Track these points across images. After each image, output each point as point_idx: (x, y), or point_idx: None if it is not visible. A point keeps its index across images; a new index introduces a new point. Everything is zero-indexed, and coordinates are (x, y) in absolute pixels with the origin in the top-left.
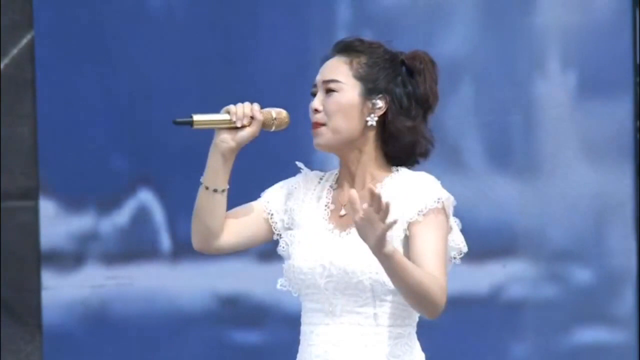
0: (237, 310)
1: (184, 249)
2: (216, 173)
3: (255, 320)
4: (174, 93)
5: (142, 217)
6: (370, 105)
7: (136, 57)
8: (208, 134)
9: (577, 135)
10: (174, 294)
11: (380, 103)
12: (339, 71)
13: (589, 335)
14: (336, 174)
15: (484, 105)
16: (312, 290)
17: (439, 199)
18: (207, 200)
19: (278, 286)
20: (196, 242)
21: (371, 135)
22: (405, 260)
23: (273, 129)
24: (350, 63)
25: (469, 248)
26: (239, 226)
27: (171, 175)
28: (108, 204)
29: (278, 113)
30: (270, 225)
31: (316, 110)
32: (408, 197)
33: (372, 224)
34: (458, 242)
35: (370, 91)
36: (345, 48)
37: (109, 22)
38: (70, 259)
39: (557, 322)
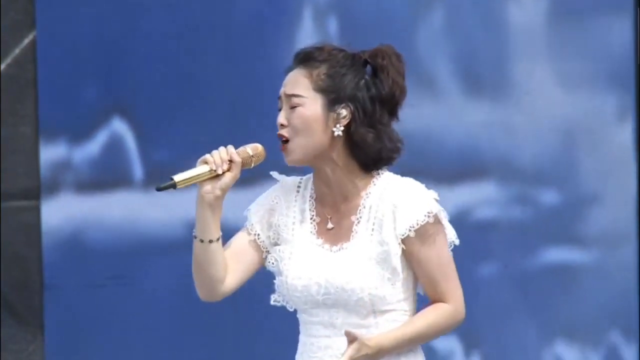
0: None
1: (156, 178)
2: (207, 224)
3: None
4: (150, 25)
5: (115, 146)
6: (334, 115)
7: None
8: (180, 51)
9: (548, 61)
10: (147, 223)
11: (344, 112)
12: (300, 85)
13: (556, 255)
14: (312, 181)
15: (456, 31)
16: (310, 306)
17: (428, 213)
18: (204, 253)
19: (272, 302)
20: (203, 294)
21: (340, 144)
22: (401, 332)
23: (252, 165)
24: (310, 76)
25: (439, 170)
26: (237, 263)
27: (144, 105)
28: (81, 133)
29: (254, 149)
30: (260, 246)
31: (282, 125)
32: (397, 210)
33: (359, 358)
34: (450, 235)
35: (333, 102)
36: (305, 59)
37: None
38: (44, 189)
39: (525, 243)
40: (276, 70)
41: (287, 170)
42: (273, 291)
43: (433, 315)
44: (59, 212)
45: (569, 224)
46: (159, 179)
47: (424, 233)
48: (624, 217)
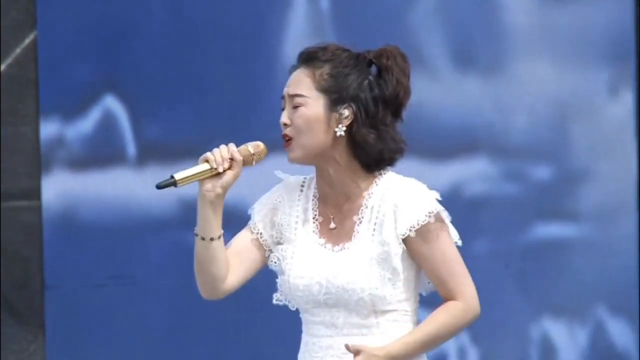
0: None
1: (149, 154)
2: (209, 222)
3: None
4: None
5: (108, 123)
6: (337, 115)
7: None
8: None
9: (540, 36)
10: (140, 199)
11: (346, 112)
12: (303, 85)
13: (548, 230)
14: (316, 179)
15: (448, 8)
16: (312, 305)
17: (429, 213)
18: (205, 251)
19: (274, 301)
20: (205, 292)
21: (343, 144)
22: (411, 337)
23: (254, 163)
24: (313, 75)
25: (431, 146)
26: (239, 262)
27: (137, 82)
28: (74, 110)
29: (255, 147)
30: (262, 245)
31: (285, 125)
32: (398, 210)
33: None
34: (452, 235)
35: (335, 102)
36: (309, 58)
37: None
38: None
39: (517, 218)
40: (269, 48)
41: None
42: (275, 290)
43: (443, 316)
44: (53, 189)
45: (560, 200)
46: (152, 157)
47: (426, 232)
48: (616, 192)
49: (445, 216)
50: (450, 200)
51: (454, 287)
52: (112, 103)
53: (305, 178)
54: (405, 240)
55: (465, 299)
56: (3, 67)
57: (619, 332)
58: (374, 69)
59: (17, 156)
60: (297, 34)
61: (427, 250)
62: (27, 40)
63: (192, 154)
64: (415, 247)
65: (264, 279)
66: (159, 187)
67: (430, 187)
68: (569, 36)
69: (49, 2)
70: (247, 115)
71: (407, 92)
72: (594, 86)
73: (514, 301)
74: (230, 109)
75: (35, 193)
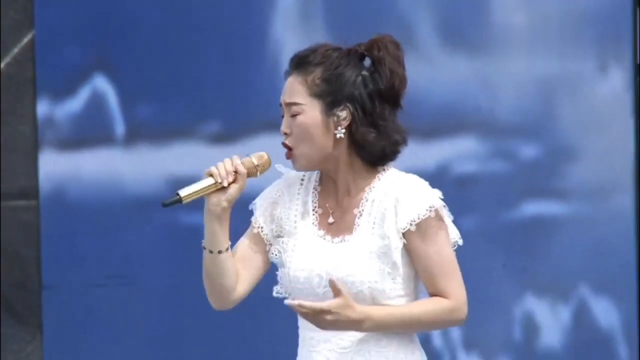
0: None
1: (138, 134)
2: (216, 236)
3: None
4: None
5: (97, 103)
6: (334, 118)
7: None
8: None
9: (528, 14)
10: (129, 179)
11: (344, 114)
12: (297, 92)
13: (536, 208)
14: (316, 173)
15: None
16: (311, 299)
17: (430, 207)
18: (214, 263)
19: (274, 293)
20: (215, 303)
21: (344, 145)
22: (394, 309)
23: (258, 174)
24: (306, 82)
25: (419, 125)
26: (245, 269)
27: (126, 61)
28: (62, 90)
29: (259, 158)
30: (263, 239)
31: (285, 134)
32: (399, 204)
33: (339, 314)
34: (453, 235)
35: (331, 105)
36: (300, 64)
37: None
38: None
39: (505, 196)
40: (259, 28)
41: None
42: (273, 286)
43: (431, 304)
44: (42, 169)
45: (548, 178)
46: (141, 136)
47: (425, 228)
48: (605, 170)
49: (446, 214)
50: (439, 178)
51: (445, 288)
52: (101, 83)
53: (305, 172)
54: (404, 235)
55: (455, 301)
56: (2, 66)
57: (603, 310)
58: (367, 61)
59: (15, 156)
60: (286, 13)
61: (424, 248)
62: (25, 40)
63: (181, 134)
64: (413, 242)
65: (266, 279)
66: (164, 205)
67: (419, 166)
68: (557, 14)
69: (46, 1)
70: (236, 96)
71: (402, 80)
72: (582, 64)
73: (499, 279)
74: (219, 89)
75: (33, 192)
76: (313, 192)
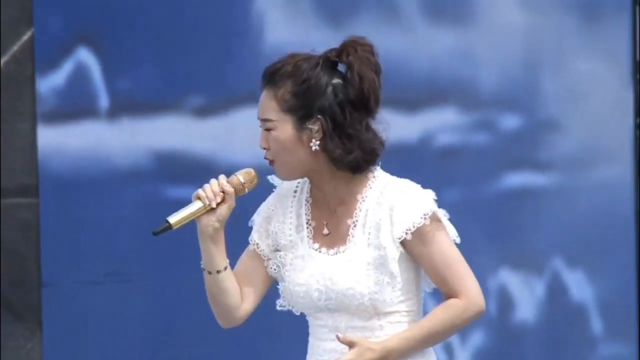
0: (174, 167)
1: (121, 107)
2: (212, 256)
3: (193, 176)
4: None
5: (80, 76)
6: (308, 132)
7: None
8: None
9: None
10: (112, 152)
11: (315, 127)
12: (268, 108)
13: (517, 179)
14: (309, 183)
15: None
16: (314, 310)
17: (425, 214)
18: (215, 283)
19: (278, 307)
20: (222, 322)
21: (324, 157)
22: (409, 333)
23: (246, 191)
24: (276, 97)
25: (401, 97)
26: (248, 286)
27: (110, 34)
28: (46, 63)
29: (245, 175)
30: (260, 255)
31: (264, 148)
32: (394, 213)
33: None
34: (450, 233)
35: (302, 119)
36: (270, 78)
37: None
38: None
39: (487, 167)
40: (242, 2)
41: None
42: (271, 290)
43: (442, 313)
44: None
45: (530, 149)
46: (125, 109)
47: (422, 234)
48: (586, 142)
49: (442, 215)
50: (420, 150)
51: (455, 286)
52: (85, 56)
53: (298, 182)
54: (402, 243)
55: (467, 296)
56: (1, 64)
57: (575, 283)
58: (342, 67)
59: (15, 153)
60: None
61: (426, 251)
62: (24, 38)
63: (165, 107)
64: (413, 248)
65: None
66: (155, 234)
67: (401, 137)
68: None
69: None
70: (220, 70)
71: (372, 84)
72: (565, 36)
73: (477, 252)
74: (203, 63)
75: (32, 190)
76: (306, 205)
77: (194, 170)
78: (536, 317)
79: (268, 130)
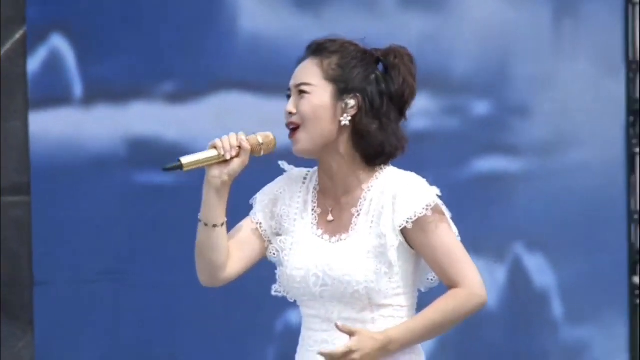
0: (149, 153)
1: (96, 94)
2: (213, 209)
3: (167, 162)
4: None
5: (54, 63)
6: (343, 105)
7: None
8: None
9: None
10: (87, 139)
11: (352, 102)
12: (311, 73)
13: (487, 165)
14: (317, 173)
15: None
16: (308, 298)
17: (427, 205)
18: (208, 237)
19: (273, 292)
20: (204, 279)
21: (346, 135)
22: (412, 323)
23: (262, 153)
24: (322, 64)
25: None
26: (239, 251)
27: (84, 21)
28: (20, 50)
29: (265, 137)
30: (262, 235)
31: (290, 113)
32: (396, 202)
33: (362, 349)
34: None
35: (342, 91)
36: (317, 49)
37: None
38: None
39: (457, 153)
40: None
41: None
42: (264, 287)
43: (444, 304)
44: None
45: (500, 134)
46: (99, 96)
47: (424, 223)
48: (556, 127)
49: (445, 211)
50: None
51: (456, 276)
52: (59, 43)
53: (308, 171)
54: (403, 231)
55: (469, 286)
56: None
57: (537, 268)
58: (380, 66)
59: (7, 152)
60: None
61: (426, 241)
62: (17, 36)
63: (139, 94)
64: (414, 237)
65: (254, 276)
66: (165, 169)
67: None
68: None
69: None
70: (194, 56)
71: (412, 91)
72: (536, 21)
73: None
74: (176, 49)
75: (24, 189)
76: (313, 192)
77: (167, 156)
78: (498, 303)
79: (302, 94)
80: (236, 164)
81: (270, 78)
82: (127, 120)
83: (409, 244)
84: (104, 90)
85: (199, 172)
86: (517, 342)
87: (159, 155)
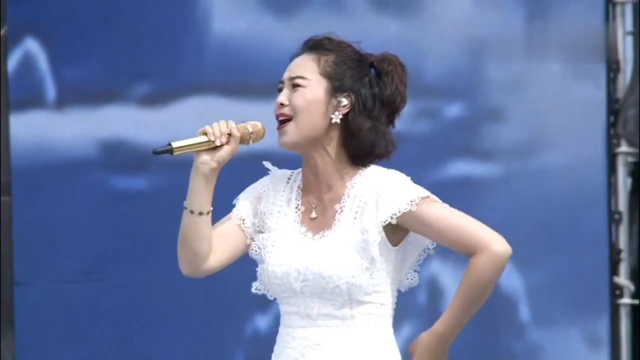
0: (121, 156)
1: (68, 97)
2: (200, 196)
3: (140, 166)
4: None
5: (27, 66)
6: (335, 102)
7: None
8: None
9: None
10: (60, 143)
11: (345, 101)
12: (307, 68)
13: (460, 168)
14: (301, 173)
15: None
16: (289, 294)
17: (411, 201)
18: (193, 225)
19: (253, 290)
20: (186, 268)
21: (335, 133)
22: (449, 311)
23: (250, 142)
24: (318, 60)
25: None
26: (222, 243)
27: (57, 24)
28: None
29: (254, 126)
30: (244, 232)
31: (282, 104)
32: (380, 198)
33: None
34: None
35: (336, 89)
36: (314, 46)
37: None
38: None
39: (431, 156)
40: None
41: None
42: (245, 289)
43: (468, 278)
44: None
45: (473, 138)
46: (72, 99)
47: (416, 215)
48: (529, 131)
49: (435, 198)
50: None
51: (469, 243)
52: (32, 45)
53: (292, 172)
54: (398, 223)
55: (485, 247)
56: None
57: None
58: (372, 71)
59: None
60: None
61: (424, 226)
62: None
63: (112, 97)
64: (413, 229)
65: (234, 277)
66: (155, 152)
67: None
68: None
69: None
70: (166, 59)
71: (403, 99)
72: (509, 24)
73: None
74: (149, 52)
75: (6, 189)
76: (297, 190)
77: (140, 160)
78: None
79: (297, 87)
80: (225, 151)
81: (245, 81)
82: (100, 123)
83: (411, 228)
84: (76, 93)
85: (175, 175)
86: (485, 345)
87: (131, 158)
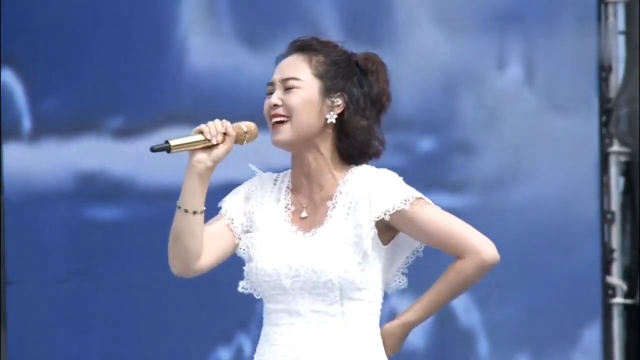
0: (95, 187)
1: (45, 129)
2: (193, 194)
3: (114, 197)
4: None
5: (3, 97)
6: (329, 103)
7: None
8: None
9: (431, 7)
10: (36, 174)
11: (339, 101)
12: (299, 68)
13: (434, 201)
14: (289, 175)
15: None
16: (277, 292)
17: (405, 200)
18: (186, 223)
19: (239, 289)
20: (177, 267)
21: (329, 133)
22: (424, 300)
23: (244, 142)
24: (310, 61)
25: None
26: (212, 244)
27: (33, 55)
28: None
29: (248, 126)
30: (233, 232)
31: (275, 105)
32: (373, 195)
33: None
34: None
35: (329, 89)
36: (303, 46)
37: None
38: None
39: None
40: (164, 24)
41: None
42: (236, 290)
43: (451, 275)
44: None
45: (446, 171)
46: (48, 130)
47: (408, 215)
48: (502, 164)
49: (429, 201)
50: None
51: (456, 246)
52: (8, 77)
53: (278, 174)
54: (390, 222)
55: (475, 253)
56: None
57: (464, 309)
58: (358, 70)
59: None
60: (192, 8)
61: (416, 226)
62: None
63: (87, 128)
64: (404, 229)
65: (225, 277)
66: (153, 150)
67: None
68: (458, 8)
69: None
70: (141, 91)
71: (389, 98)
72: (482, 58)
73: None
74: (124, 84)
75: None
76: (286, 191)
77: (114, 191)
78: (425, 342)
79: (290, 88)
80: (221, 150)
81: (219, 112)
82: (74, 154)
83: (401, 229)
84: (51, 124)
85: (150, 207)
86: None
87: (105, 189)
